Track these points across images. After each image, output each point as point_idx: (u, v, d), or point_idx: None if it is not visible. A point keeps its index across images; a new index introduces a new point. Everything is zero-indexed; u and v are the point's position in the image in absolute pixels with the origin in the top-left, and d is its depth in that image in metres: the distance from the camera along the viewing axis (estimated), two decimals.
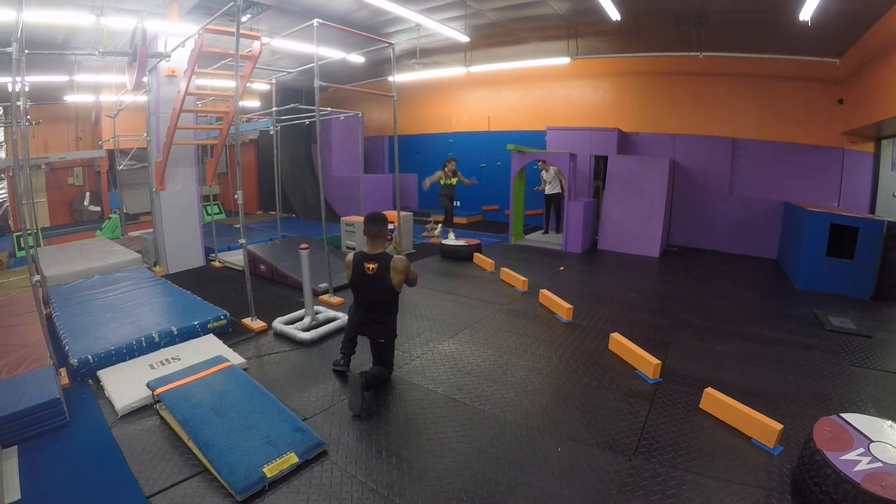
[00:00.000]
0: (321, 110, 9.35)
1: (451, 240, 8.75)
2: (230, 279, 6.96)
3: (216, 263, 7.72)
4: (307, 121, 9.24)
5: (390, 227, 4.06)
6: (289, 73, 7.73)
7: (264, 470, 2.75)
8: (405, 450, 3.03)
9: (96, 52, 5.31)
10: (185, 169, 7.31)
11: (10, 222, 10.40)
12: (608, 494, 2.65)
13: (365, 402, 3.44)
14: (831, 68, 7.54)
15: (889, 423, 2.75)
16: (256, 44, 6.09)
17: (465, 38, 8.31)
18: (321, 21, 5.32)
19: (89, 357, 4.05)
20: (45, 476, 2.87)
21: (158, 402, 3.45)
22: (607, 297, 6.35)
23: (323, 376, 4.05)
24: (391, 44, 6.28)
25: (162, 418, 3.40)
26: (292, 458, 2.87)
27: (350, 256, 3.76)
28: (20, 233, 9.03)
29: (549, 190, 9.85)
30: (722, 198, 9.39)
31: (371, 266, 3.62)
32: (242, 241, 5.04)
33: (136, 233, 9.68)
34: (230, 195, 8.14)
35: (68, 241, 6.43)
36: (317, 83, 5.49)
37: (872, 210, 7.95)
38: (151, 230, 8.82)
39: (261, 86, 10.59)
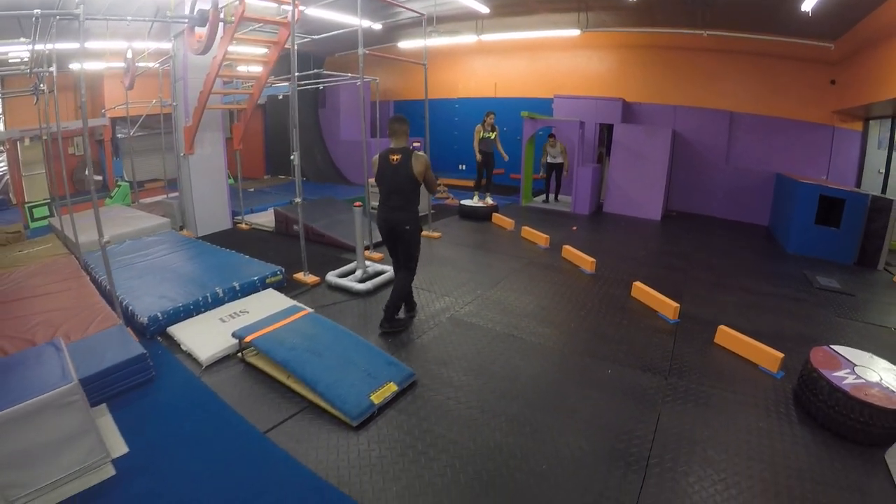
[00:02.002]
0: (338, 75, 9.89)
1: (474, 201, 9.34)
2: (262, 240, 7.58)
3: (243, 226, 8.27)
4: (321, 85, 9.67)
5: (416, 144, 4.73)
6: (313, 38, 8.12)
7: (371, 398, 3.21)
8: (483, 375, 3.77)
9: (165, 15, 5.55)
10: (213, 133, 7.75)
11: (12, 195, 10.59)
12: (656, 403, 3.51)
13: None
14: (826, 51, 8.39)
15: (869, 354, 3.65)
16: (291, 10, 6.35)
17: (485, 10, 8.88)
18: None
19: (158, 314, 4.36)
20: (148, 428, 3.10)
21: (245, 349, 3.87)
22: (621, 253, 7.27)
23: None
24: (423, 14, 6.82)
25: (248, 364, 3.82)
26: (392, 387, 3.38)
27: (376, 155, 4.37)
28: (33, 203, 9.34)
29: (551, 160, 10.57)
30: (718, 167, 10.36)
31: (395, 157, 4.22)
32: (298, 199, 5.66)
33: (150, 199, 10.08)
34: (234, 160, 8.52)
35: (79, 211, 6.72)
36: (361, 51, 6.02)
37: (858, 184, 8.99)
38: (168, 195, 9.29)
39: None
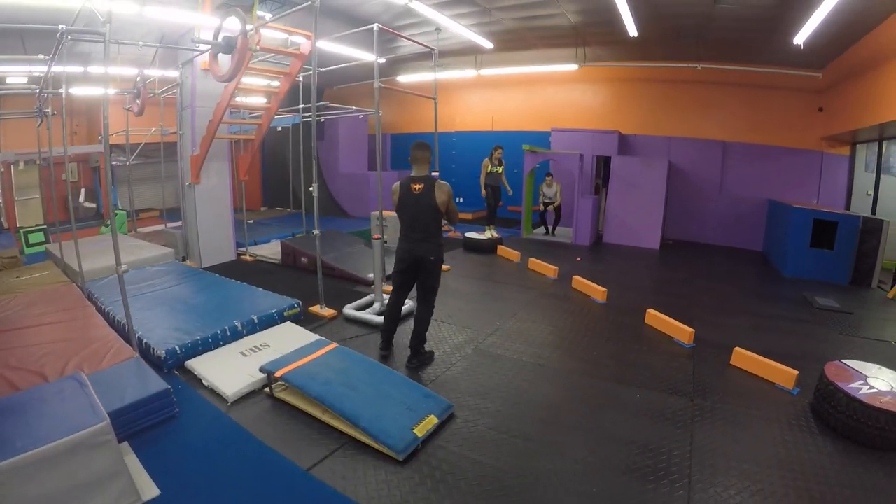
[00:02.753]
0: (343, 108, 10.12)
1: (481, 234, 9.51)
2: (268, 272, 7.61)
3: (247, 257, 8.32)
4: (323, 118, 9.86)
5: (435, 174, 4.73)
6: (320, 71, 8.31)
7: (414, 431, 3.19)
8: (519, 404, 3.85)
9: (195, 44, 5.56)
10: (220, 163, 7.82)
11: (3, 220, 10.50)
12: (686, 423, 3.65)
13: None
14: (814, 80, 8.96)
15: (877, 366, 3.91)
16: (305, 42, 6.45)
17: (489, 45, 9.26)
18: (380, 26, 6.04)
19: (177, 348, 4.28)
20: (179, 468, 2.96)
21: (273, 384, 3.82)
22: (626, 282, 7.48)
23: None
24: (433, 49, 7.11)
25: (277, 400, 3.76)
26: (433, 420, 3.38)
27: (397, 183, 4.29)
28: (29, 228, 9.27)
29: (548, 200, 10.89)
30: (712, 196, 10.80)
31: (417, 186, 4.13)
32: (316, 231, 5.66)
33: (148, 228, 10.08)
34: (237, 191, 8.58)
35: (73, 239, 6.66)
36: (376, 84, 6.22)
37: (848, 207, 9.47)
38: (166, 225, 9.33)
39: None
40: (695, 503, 2.78)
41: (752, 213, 10.31)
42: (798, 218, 8.02)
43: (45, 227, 9.27)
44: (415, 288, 4.60)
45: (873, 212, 8.65)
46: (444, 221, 4.41)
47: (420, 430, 3.27)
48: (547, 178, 10.75)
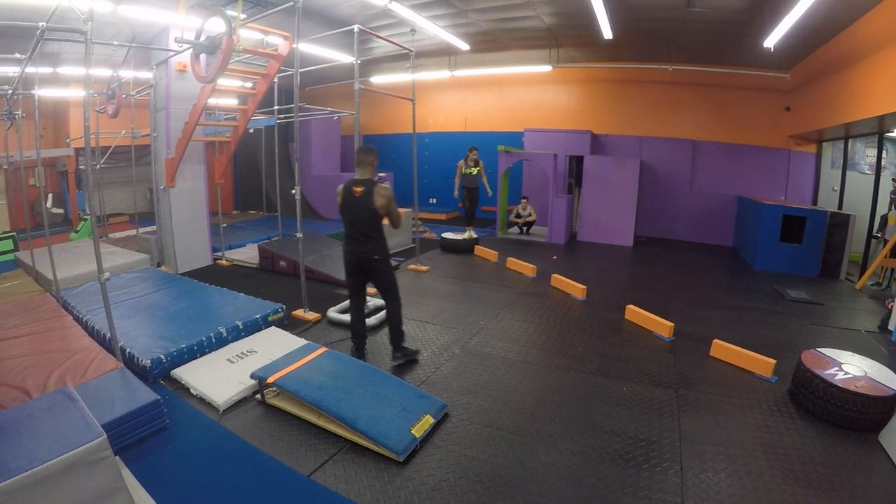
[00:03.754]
0: (319, 109, 10.06)
1: (460, 235, 9.56)
2: (246, 276, 7.53)
3: (224, 262, 8.20)
4: (297, 118, 9.75)
5: (382, 175, 4.81)
6: (299, 72, 8.27)
7: (412, 431, 3.24)
8: (511, 402, 3.92)
9: (178, 44, 5.40)
10: (195, 166, 7.69)
11: None
12: (673, 413, 3.80)
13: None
14: (782, 81, 9.33)
15: (850, 353, 4.17)
16: (283, 43, 6.40)
17: (465, 46, 9.33)
18: (360, 27, 6.03)
19: (162, 357, 4.20)
20: (175, 480, 2.91)
21: (265, 390, 3.80)
22: (603, 279, 7.66)
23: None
24: (411, 50, 7.14)
25: (269, 406, 3.74)
26: (429, 420, 3.43)
27: (341, 186, 4.37)
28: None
29: (519, 219, 11.19)
30: (683, 193, 11.13)
31: (358, 189, 4.21)
32: (299, 234, 5.65)
33: (120, 234, 9.84)
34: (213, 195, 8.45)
35: (44, 246, 6.46)
36: (356, 85, 6.24)
37: (815, 202, 9.91)
38: (138, 230, 9.11)
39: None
40: (689, 487, 2.92)
41: (723, 210, 10.68)
42: (768, 214, 8.34)
43: (13, 234, 8.97)
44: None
45: (840, 207, 9.04)
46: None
47: (418, 431, 3.31)
48: (522, 200, 11.06)
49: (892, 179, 8.52)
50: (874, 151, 8.69)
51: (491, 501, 2.78)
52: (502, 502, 2.78)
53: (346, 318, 5.41)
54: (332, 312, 5.71)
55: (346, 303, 5.88)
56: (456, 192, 9.53)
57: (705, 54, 9.26)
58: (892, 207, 7.69)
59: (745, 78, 9.61)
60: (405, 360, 4.55)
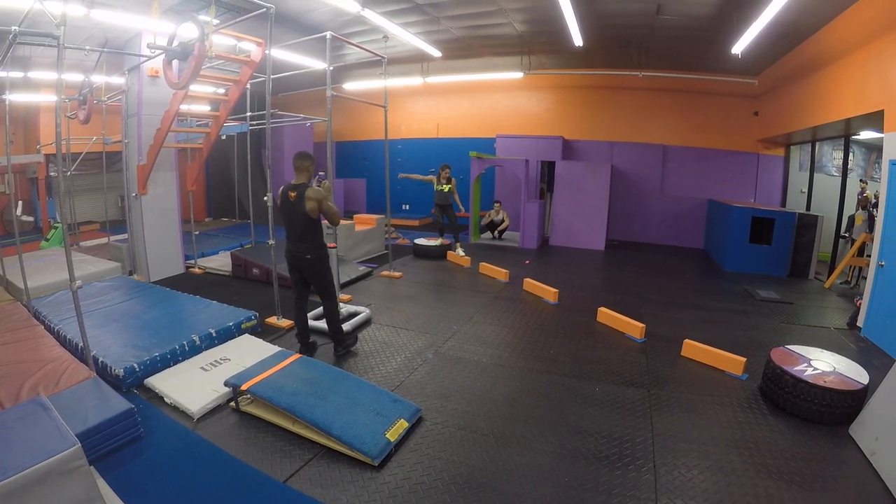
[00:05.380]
0: (291, 116, 10.00)
1: (438, 243, 9.59)
2: (220, 284, 7.42)
3: (196, 270, 8.07)
4: (269, 124, 9.66)
5: (321, 174, 4.98)
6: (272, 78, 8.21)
7: (386, 436, 3.25)
8: (485, 405, 3.94)
9: (150, 49, 5.32)
10: (167, 173, 7.56)
11: None
12: (646, 412, 3.86)
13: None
14: (750, 86, 9.59)
15: (819, 349, 4.28)
16: (255, 49, 6.35)
17: (437, 53, 9.37)
18: (333, 34, 6.01)
19: (135, 366, 4.14)
20: (150, 490, 2.87)
21: (239, 397, 3.77)
22: (575, 283, 7.75)
23: (375, 361, 4.73)
24: (384, 57, 7.15)
25: (244, 413, 3.71)
26: (403, 424, 3.44)
27: (280, 189, 4.61)
28: None
29: (493, 223, 11.27)
30: (654, 197, 11.34)
31: (292, 194, 4.45)
32: (271, 241, 5.67)
33: (91, 242, 9.60)
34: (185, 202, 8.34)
35: (12, 255, 6.29)
36: (328, 92, 6.20)
37: (784, 204, 10.17)
38: (109, 238, 8.93)
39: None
40: (662, 485, 2.95)
41: (693, 213, 10.91)
42: (737, 216, 8.54)
43: None
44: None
45: (808, 208, 9.30)
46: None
47: (392, 435, 3.31)
48: (496, 205, 11.13)
49: (860, 181, 8.80)
50: (841, 154, 8.96)
51: (466, 503, 2.78)
52: (477, 503, 2.78)
53: (320, 324, 5.39)
54: (308, 320, 5.63)
55: (319, 309, 5.84)
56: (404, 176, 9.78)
57: (675, 61, 9.45)
58: (859, 208, 7.93)
59: (715, 84, 9.84)
60: (348, 349, 4.85)
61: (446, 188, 9.32)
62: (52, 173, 11.15)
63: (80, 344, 4.15)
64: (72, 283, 3.91)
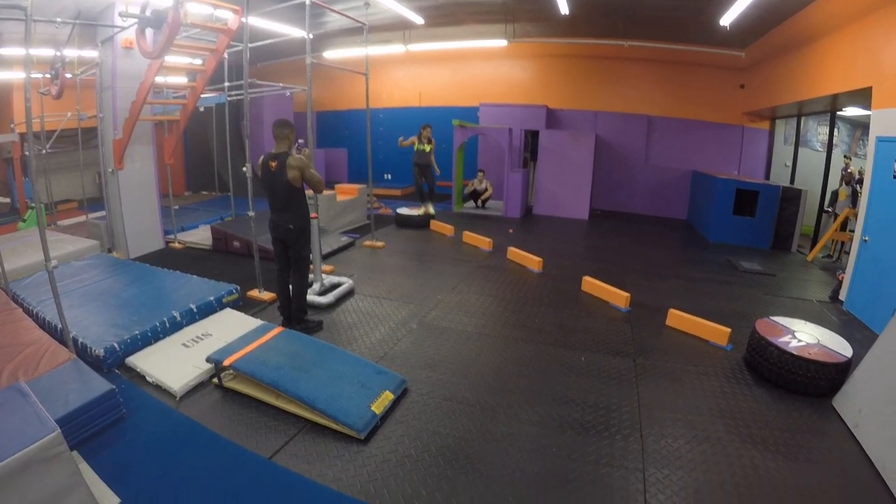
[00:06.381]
0: (270, 85, 9.71)
1: (417, 210, 9.50)
2: (200, 259, 7.26)
3: (177, 245, 7.90)
4: (247, 95, 9.39)
5: (301, 141, 4.80)
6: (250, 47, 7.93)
7: (372, 408, 3.22)
8: (470, 374, 3.93)
9: (122, 18, 5.06)
10: (143, 147, 7.32)
11: None
12: (632, 381, 3.87)
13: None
14: (737, 59, 9.46)
15: (803, 321, 4.30)
16: (232, 17, 6.07)
17: (420, 20, 9.09)
18: (312, 0, 5.78)
19: (115, 345, 4.03)
20: (135, 472, 2.81)
21: (222, 373, 3.68)
22: (559, 252, 7.72)
23: (358, 332, 4.69)
24: (364, 24, 6.91)
25: (227, 389, 3.64)
26: (389, 396, 3.41)
27: (261, 158, 4.51)
28: None
29: (478, 188, 11.14)
30: (638, 167, 11.29)
31: (273, 163, 4.35)
32: (251, 213, 5.60)
33: (69, 221, 9.33)
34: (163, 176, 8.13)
35: None
36: (308, 60, 6.02)
37: (768, 177, 10.21)
38: (88, 216, 8.68)
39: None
40: (649, 454, 2.96)
41: (677, 184, 10.90)
42: (722, 188, 8.54)
43: None
44: None
45: (792, 182, 9.30)
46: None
47: (377, 407, 3.28)
48: (479, 174, 10.98)
49: (844, 156, 8.84)
50: (825, 129, 8.96)
51: (454, 474, 2.77)
52: (465, 475, 2.77)
53: (317, 298, 5.35)
54: None
55: (316, 286, 5.78)
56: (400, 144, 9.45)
57: (662, 31, 9.28)
58: (843, 183, 7.95)
59: (701, 55, 9.71)
60: (307, 331, 4.59)
61: (427, 147, 9.24)
62: (27, 152, 10.75)
63: (60, 326, 4.00)
64: (47, 263, 3.72)
